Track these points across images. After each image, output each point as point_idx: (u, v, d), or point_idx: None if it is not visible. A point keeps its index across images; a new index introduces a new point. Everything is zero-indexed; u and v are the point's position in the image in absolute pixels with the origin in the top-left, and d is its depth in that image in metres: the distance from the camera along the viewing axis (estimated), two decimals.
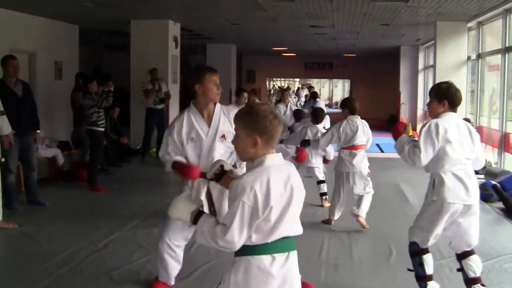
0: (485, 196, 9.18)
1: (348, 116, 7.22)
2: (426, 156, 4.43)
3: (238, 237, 2.69)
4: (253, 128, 2.80)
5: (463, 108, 13.70)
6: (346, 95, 40.47)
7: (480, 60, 13.45)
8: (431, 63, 16.48)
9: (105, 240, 6.60)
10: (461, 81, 13.76)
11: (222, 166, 3.16)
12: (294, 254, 2.87)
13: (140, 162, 12.86)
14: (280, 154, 2.89)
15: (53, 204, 8.54)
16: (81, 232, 6.94)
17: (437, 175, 4.48)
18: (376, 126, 22.99)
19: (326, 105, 19.41)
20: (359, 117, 7.31)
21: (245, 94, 9.90)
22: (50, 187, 9.71)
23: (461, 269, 4.65)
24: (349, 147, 7.19)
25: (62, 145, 11.48)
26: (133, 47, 14.23)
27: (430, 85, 16.37)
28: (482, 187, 9.45)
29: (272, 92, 37.52)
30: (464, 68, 13.93)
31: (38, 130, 8.39)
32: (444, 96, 4.52)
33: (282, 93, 12.78)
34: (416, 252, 4.66)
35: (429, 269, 4.61)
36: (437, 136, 4.39)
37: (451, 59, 13.83)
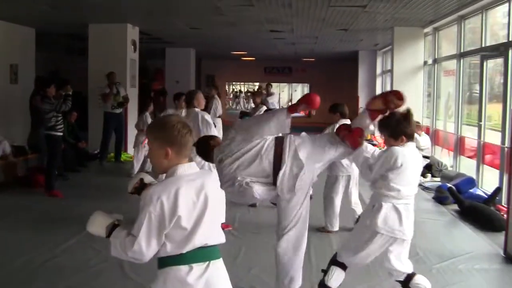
0: (441, 199, 9.37)
1: (339, 120, 7.26)
2: (374, 176, 4.41)
3: (146, 247, 2.71)
4: (163, 140, 2.83)
5: (420, 111, 13.92)
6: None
7: (436, 65, 13.69)
8: (389, 67, 16.67)
9: (62, 246, 6.52)
10: (418, 86, 14.01)
11: (141, 179, 3.14)
12: (216, 263, 2.87)
13: (98, 167, 12.72)
14: (193, 163, 2.91)
15: (9, 210, 8.39)
16: (38, 239, 6.83)
17: (378, 202, 4.41)
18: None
19: None
20: (349, 121, 7.40)
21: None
22: (5, 193, 9.55)
23: None
24: None
25: (18, 150, 11.30)
26: (91, 51, 14.08)
27: (388, 89, 16.59)
28: (438, 189, 9.66)
29: (238, 95, 37.57)
30: (421, 72, 14.15)
31: None
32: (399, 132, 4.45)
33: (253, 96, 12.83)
34: (332, 261, 4.67)
35: (329, 281, 4.60)
36: (394, 163, 4.33)
37: (408, 64, 14.04)
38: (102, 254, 6.15)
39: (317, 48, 19.97)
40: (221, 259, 2.90)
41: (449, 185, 9.42)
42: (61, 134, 9.48)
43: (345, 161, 7.05)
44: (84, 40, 14.53)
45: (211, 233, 2.84)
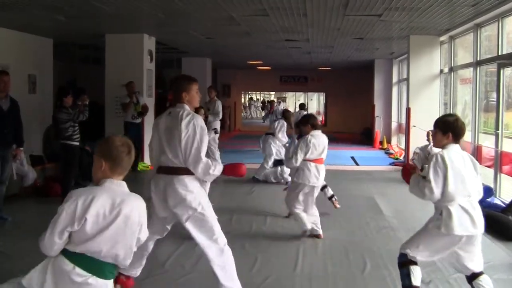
0: None
1: (311, 131, 7.36)
2: (437, 188, 4.44)
3: (49, 240, 3.06)
4: (102, 154, 3.17)
5: None
6: (321, 108, 40.71)
7: (452, 73, 13.63)
8: (405, 76, 16.65)
9: None
10: (434, 94, 13.98)
11: None
12: (99, 281, 3.04)
13: None
14: (124, 183, 3.23)
15: (26, 220, 8.46)
16: None
17: (444, 207, 4.48)
18: (350, 140, 23.29)
19: None
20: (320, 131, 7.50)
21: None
22: (23, 202, 9.62)
23: None
24: (315, 160, 7.29)
25: (35, 160, 11.39)
26: (108, 61, 14.18)
27: (404, 98, 16.57)
28: None
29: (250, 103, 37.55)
30: (437, 81, 14.11)
31: (21, 147, 8.40)
32: (449, 129, 4.59)
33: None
34: (405, 262, 4.68)
35: (416, 281, 4.61)
36: (445, 167, 4.42)
37: (424, 72, 14.01)
38: None
39: (333, 57, 19.97)
40: (108, 282, 3.08)
41: None
42: (77, 143, 9.54)
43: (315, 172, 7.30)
44: (100, 50, 14.64)
45: (109, 250, 3.01)
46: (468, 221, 4.43)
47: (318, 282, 5.72)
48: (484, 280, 4.57)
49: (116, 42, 13.95)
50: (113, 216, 3.00)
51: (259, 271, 6.01)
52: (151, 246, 5.08)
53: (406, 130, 14.29)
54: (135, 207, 3.11)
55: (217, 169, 4.81)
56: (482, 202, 8.87)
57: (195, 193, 4.76)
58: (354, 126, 25.91)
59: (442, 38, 13.87)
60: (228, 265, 4.79)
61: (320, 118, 39.15)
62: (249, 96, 44.51)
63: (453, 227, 4.40)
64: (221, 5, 9.85)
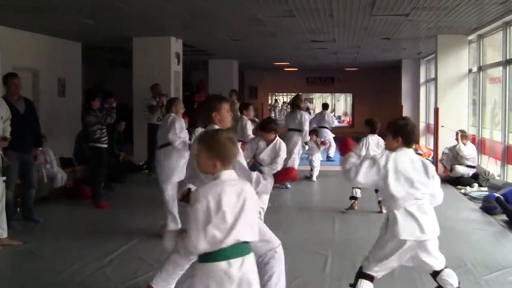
0: (489, 209, 9.18)
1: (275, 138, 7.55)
2: (362, 177, 4.40)
3: (195, 240, 3.08)
4: (213, 154, 3.26)
5: (465, 120, 13.74)
6: (349, 109, 40.57)
7: (481, 72, 13.49)
8: (433, 76, 16.51)
9: (109, 256, 6.60)
10: (462, 94, 13.85)
11: (189, 189, 3.72)
12: (249, 257, 3.23)
13: (143, 178, 12.86)
14: (232, 171, 3.32)
15: (57, 221, 8.58)
16: (85, 249, 6.95)
17: (390, 211, 4.43)
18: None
19: None
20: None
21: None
22: (54, 204, 9.75)
23: (439, 287, 4.56)
24: None
25: (65, 162, 11.52)
26: (135, 63, 14.29)
27: (432, 98, 16.43)
28: (485, 199, 9.47)
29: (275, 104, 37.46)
30: (466, 80, 13.97)
31: (40, 147, 8.48)
32: (399, 133, 4.51)
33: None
34: (358, 274, 4.65)
35: None
36: (384, 167, 4.36)
37: (453, 72, 13.88)
38: (148, 264, 6.23)
39: (360, 57, 19.89)
40: (252, 253, 3.25)
41: (496, 194, 9.23)
42: (106, 146, 9.62)
43: None
44: (128, 53, 14.76)
45: (246, 230, 3.19)
46: (414, 226, 4.32)
47: (348, 283, 5.68)
48: (446, 274, 4.48)
49: (143, 45, 14.05)
50: (241, 201, 3.17)
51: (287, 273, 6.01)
52: (187, 265, 5.05)
53: (434, 130, 14.15)
54: (249, 189, 3.31)
55: (268, 183, 4.86)
56: None
57: None
58: (381, 127, 25.73)
59: (470, 37, 13.73)
60: None
61: (348, 119, 39.07)
62: (274, 98, 44.42)
63: (398, 231, 4.32)
64: (247, 6, 9.87)
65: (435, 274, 4.51)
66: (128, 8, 9.95)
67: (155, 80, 13.34)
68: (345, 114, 44.11)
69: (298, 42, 15.15)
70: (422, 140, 20.33)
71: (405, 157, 4.44)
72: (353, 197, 9.13)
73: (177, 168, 7.51)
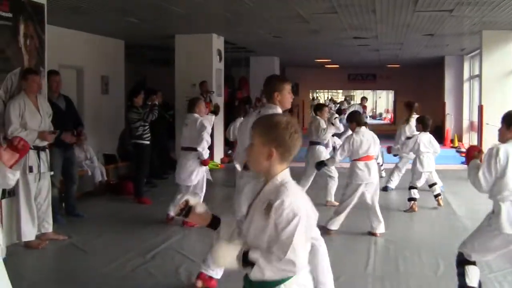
0: None
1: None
2: (485, 182, 4.35)
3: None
4: (270, 139, 2.67)
5: None
6: (390, 106, 40.22)
7: None
8: (477, 73, 16.25)
9: (151, 252, 6.67)
10: (508, 91, 13.57)
11: (187, 201, 2.94)
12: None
13: None
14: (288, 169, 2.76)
15: (100, 216, 8.71)
16: (128, 244, 7.04)
17: (496, 203, 4.37)
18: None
19: (370, 116, 19.17)
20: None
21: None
22: (97, 199, 9.89)
23: None
24: (363, 158, 7.35)
25: (108, 159, 11.68)
26: (177, 61, 14.38)
27: (476, 95, 16.16)
28: None
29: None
30: (511, 77, 13.70)
31: (81, 127, 8.61)
32: None
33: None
34: (461, 261, 4.60)
35: (471, 281, 4.51)
36: (497, 162, 4.30)
37: (498, 69, 13.63)
38: (190, 260, 6.28)
39: (402, 54, 19.68)
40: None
41: None
42: (148, 142, 9.71)
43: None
44: (169, 51, 14.87)
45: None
46: None
47: (390, 282, 5.66)
48: None
49: (185, 43, 14.13)
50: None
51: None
52: None
53: (478, 128, 13.93)
54: None
55: None
56: None
57: None
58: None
59: None
60: None
61: (390, 116, 38.70)
62: (314, 96, 44.00)
63: (503, 225, 4.25)
64: (289, 3, 9.86)
65: None
66: (172, 7, 10.04)
67: (198, 78, 13.44)
68: (387, 111, 43.75)
69: (340, 39, 15.06)
70: (465, 138, 20.03)
71: None
72: (411, 199, 9.03)
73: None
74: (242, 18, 11.63)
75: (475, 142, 16.93)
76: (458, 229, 7.84)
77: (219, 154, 14.76)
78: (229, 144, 14.76)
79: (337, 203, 8.17)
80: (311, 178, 9.21)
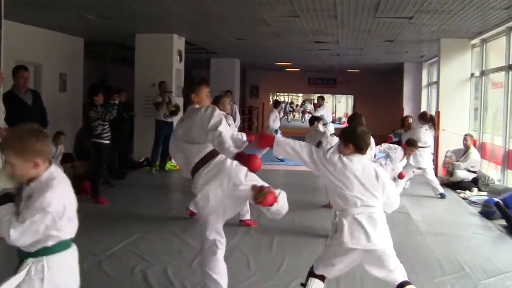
0: (488, 214, 9.17)
1: None
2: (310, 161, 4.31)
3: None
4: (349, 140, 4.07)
5: (467, 124, 13.72)
6: (350, 111, 40.56)
7: (483, 77, 13.46)
8: (435, 79, 16.49)
9: (107, 252, 6.60)
10: (464, 98, 13.83)
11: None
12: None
13: (142, 175, 12.85)
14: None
15: None
16: (83, 244, 6.88)
17: (339, 218, 4.36)
18: (379, 143, 23.01)
19: (331, 122, 19.17)
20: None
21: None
22: None
23: None
24: None
25: (65, 157, 11.51)
26: (137, 60, 14.28)
27: (434, 101, 16.40)
28: (485, 204, 9.46)
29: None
30: (468, 85, 13.94)
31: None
32: (351, 140, 4.41)
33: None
34: (309, 272, 4.56)
35: None
36: (342, 164, 4.27)
37: (455, 76, 13.85)
38: (146, 261, 6.23)
39: (362, 59, 19.89)
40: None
41: (496, 199, 9.20)
42: (107, 142, 9.60)
43: None
44: (130, 50, 14.75)
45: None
46: (361, 234, 4.21)
47: (346, 283, 5.67)
48: None
49: (146, 42, 14.04)
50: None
51: (285, 271, 6.00)
52: None
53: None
54: None
55: None
56: None
57: None
58: (382, 129, 25.73)
59: (473, 42, 13.70)
60: None
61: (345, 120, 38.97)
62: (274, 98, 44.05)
63: (344, 239, 4.21)
64: (253, 6, 9.87)
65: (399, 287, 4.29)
66: (133, 6, 9.95)
67: (157, 77, 13.35)
68: (346, 115, 44.10)
69: (302, 43, 15.15)
70: None
71: (358, 163, 4.32)
72: None
73: None
74: (204, 20, 11.60)
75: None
76: (413, 233, 7.93)
77: None
78: None
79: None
80: None
